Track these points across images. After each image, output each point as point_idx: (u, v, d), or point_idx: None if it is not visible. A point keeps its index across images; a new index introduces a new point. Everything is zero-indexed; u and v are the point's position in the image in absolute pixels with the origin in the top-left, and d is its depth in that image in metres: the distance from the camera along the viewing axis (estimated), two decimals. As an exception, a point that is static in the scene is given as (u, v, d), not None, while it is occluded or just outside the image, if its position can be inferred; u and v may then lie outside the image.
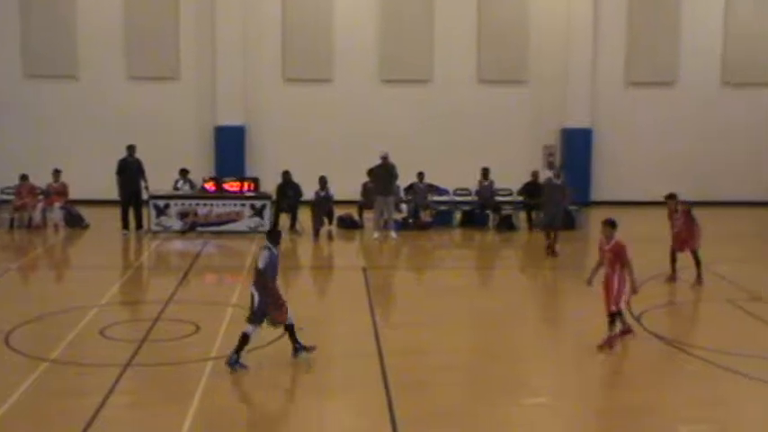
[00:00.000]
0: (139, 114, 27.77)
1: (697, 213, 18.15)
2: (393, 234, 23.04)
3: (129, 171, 23.33)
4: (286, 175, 23.66)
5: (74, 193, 24.55)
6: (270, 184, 24.14)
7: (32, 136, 27.60)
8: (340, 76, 28.43)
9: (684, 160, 28.75)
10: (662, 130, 28.91)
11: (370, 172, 23.69)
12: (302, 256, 21.55)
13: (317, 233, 22.98)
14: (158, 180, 24.04)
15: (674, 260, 18.04)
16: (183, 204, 23.37)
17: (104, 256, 21.10)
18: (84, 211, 24.26)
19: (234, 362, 12.17)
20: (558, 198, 21.38)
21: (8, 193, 25.30)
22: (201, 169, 26.56)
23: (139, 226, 23.38)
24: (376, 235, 22.97)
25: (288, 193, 23.43)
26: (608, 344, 13.25)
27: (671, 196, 18.32)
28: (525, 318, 15.63)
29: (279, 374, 12.17)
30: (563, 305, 17.32)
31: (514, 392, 11.71)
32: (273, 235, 12.77)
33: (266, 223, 23.18)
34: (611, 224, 13.52)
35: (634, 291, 13.33)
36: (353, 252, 21.98)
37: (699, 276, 17.66)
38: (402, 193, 24.74)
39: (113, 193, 23.52)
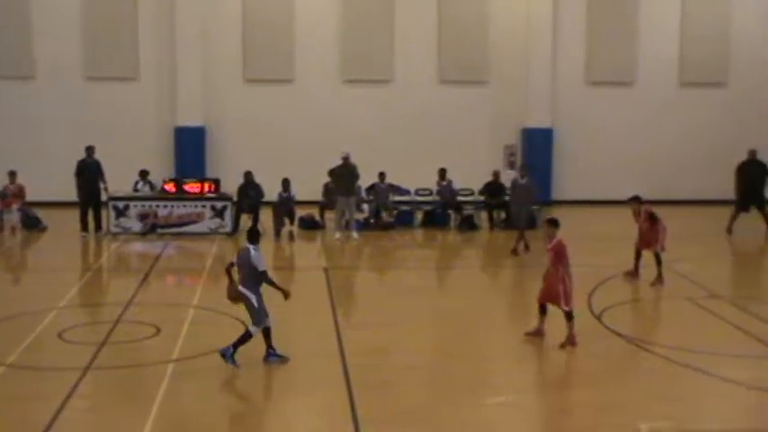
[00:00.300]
0: (98, 115, 27.48)
1: (658, 212, 18.28)
2: (354, 234, 23.01)
3: (88, 172, 23.08)
4: (248, 175, 23.55)
5: (31, 195, 24.23)
6: (231, 186, 24.01)
7: (-12, 137, 27.26)
8: (301, 77, 28.34)
9: (644, 159, 29.01)
10: (622, 130, 29.16)
11: (332, 172, 23.63)
12: (264, 256, 21.39)
13: (278, 234, 22.90)
14: (118, 181, 23.81)
15: (637, 257, 18.17)
16: (142, 206, 23.18)
17: (63, 259, 20.87)
18: (42, 214, 23.96)
19: (229, 355, 12.10)
20: (523, 198, 21.46)
21: (-36, 196, 24.95)
22: (161, 170, 26.36)
23: (98, 228, 23.16)
24: (337, 235, 22.93)
25: (249, 194, 23.32)
26: (569, 342, 13.30)
27: (633, 199, 18.45)
28: (488, 317, 15.66)
29: (241, 376, 12.09)
30: (525, 304, 17.34)
31: (477, 392, 11.73)
32: (255, 235, 12.72)
33: (227, 224, 23.08)
34: (552, 223, 13.67)
35: (565, 288, 13.36)
36: (315, 252, 21.93)
37: (659, 275, 17.79)
38: (363, 194, 24.72)
39: (72, 194, 23.25)
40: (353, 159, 23.17)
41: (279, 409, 11.29)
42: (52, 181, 25.61)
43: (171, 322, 14.59)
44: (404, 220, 24.93)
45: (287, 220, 23.27)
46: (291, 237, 23.03)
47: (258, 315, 12.30)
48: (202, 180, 24.16)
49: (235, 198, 23.43)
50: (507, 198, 24.84)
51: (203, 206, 23.25)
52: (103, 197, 23.26)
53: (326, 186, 24.33)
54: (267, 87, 28.26)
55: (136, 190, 24.24)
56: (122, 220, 23.06)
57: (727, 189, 24.81)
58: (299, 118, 28.20)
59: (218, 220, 23.20)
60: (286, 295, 12.67)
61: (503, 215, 24.94)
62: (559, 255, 13.27)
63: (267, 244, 22.26)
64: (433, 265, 21.51)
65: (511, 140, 28.95)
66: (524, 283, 19.53)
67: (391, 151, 27.40)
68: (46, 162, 26.60)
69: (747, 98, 29.31)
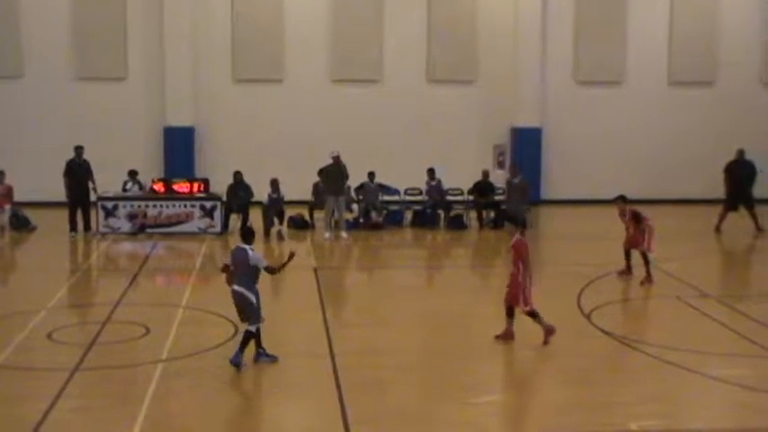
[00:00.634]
0: (87, 115, 27.41)
1: (647, 212, 18.34)
2: (344, 234, 23.01)
3: (77, 172, 23.01)
4: (237, 175, 23.54)
5: (19, 196, 24.14)
6: (220, 185, 23.98)
7: (-24, 137, 27.16)
8: (290, 77, 28.31)
9: (633, 158, 29.09)
10: (610, 129, 29.21)
11: (321, 172, 23.63)
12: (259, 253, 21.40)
13: (267, 233, 22.88)
14: (107, 181, 23.75)
15: (627, 256, 18.23)
16: (132, 206, 23.13)
17: (52, 259, 20.82)
18: (31, 214, 23.89)
19: (237, 360, 12.14)
20: (518, 196, 21.53)
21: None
22: (151, 170, 26.29)
23: (87, 228, 23.10)
24: (327, 235, 22.93)
25: (239, 194, 23.29)
26: (547, 336, 13.33)
27: (618, 198, 18.51)
28: (477, 316, 15.66)
29: (230, 376, 12.07)
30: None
31: (467, 391, 11.74)
32: (249, 234, 12.71)
33: (217, 224, 23.05)
34: (513, 222, 13.78)
35: (524, 288, 13.36)
36: (304, 252, 21.91)
37: (648, 275, 17.83)
38: (353, 194, 24.72)
39: (60, 194, 23.19)
40: (343, 159, 23.16)
41: (269, 408, 11.28)
42: (41, 181, 25.55)
43: (160, 322, 14.57)
44: (393, 220, 24.93)
45: (276, 220, 23.25)
46: (281, 236, 23.01)
47: (256, 314, 12.29)
48: (192, 180, 24.11)
49: (224, 198, 23.40)
50: (498, 198, 24.97)
51: (193, 206, 23.21)
52: (92, 197, 23.20)
53: (316, 186, 24.32)
54: (256, 87, 28.23)
55: (125, 190, 24.18)
56: (111, 220, 23.00)
57: (716, 188, 24.90)
58: (288, 118, 28.18)
59: (207, 220, 23.17)
60: (292, 255, 12.68)
61: (492, 214, 24.98)
62: (519, 253, 13.27)
63: (256, 244, 22.14)
64: (423, 265, 21.53)
65: (500, 140, 28.97)
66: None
67: (380, 151, 27.41)
68: (35, 162, 26.52)
69: (735, 97, 29.41)
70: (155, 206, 23.16)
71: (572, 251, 21.73)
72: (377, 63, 28.54)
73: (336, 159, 23.11)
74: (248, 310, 12.31)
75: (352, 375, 12.07)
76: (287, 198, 23.62)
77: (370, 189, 24.84)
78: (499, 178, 26.32)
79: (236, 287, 12.34)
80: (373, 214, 24.77)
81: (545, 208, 27.41)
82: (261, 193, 23.38)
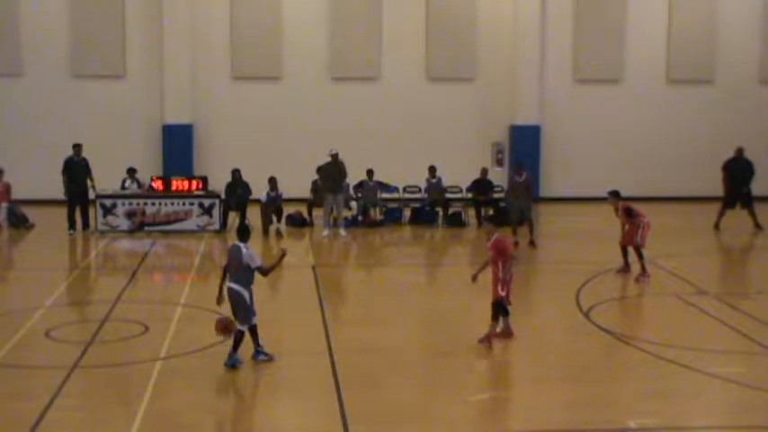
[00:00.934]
0: (86, 113, 27.42)
1: (645, 209, 18.35)
2: (342, 232, 23.01)
3: (76, 170, 22.99)
4: (236, 173, 23.53)
5: (18, 193, 24.15)
6: (219, 183, 23.97)
7: (-26, 135, 27.14)
8: (289, 74, 28.30)
9: (632, 156, 29.08)
10: (609, 127, 29.20)
11: (320, 170, 23.62)
12: (254, 251, 21.38)
13: (266, 231, 22.86)
14: (105, 179, 23.72)
15: (624, 253, 18.24)
16: (130, 204, 23.11)
17: (50, 257, 20.81)
18: (29, 212, 23.87)
19: (233, 362, 12.14)
20: (523, 194, 21.56)
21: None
22: (149, 168, 26.30)
23: (86, 226, 23.08)
24: (325, 233, 22.92)
25: (237, 192, 23.29)
26: (486, 339, 13.22)
27: (611, 194, 18.54)
28: (475, 313, 15.61)
29: (229, 374, 12.07)
30: (512, 300, 17.35)
31: (466, 388, 11.74)
32: (245, 232, 12.68)
33: (215, 222, 23.04)
34: (492, 222, 13.82)
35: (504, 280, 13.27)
36: (303, 250, 21.90)
37: (643, 270, 17.85)
38: (351, 191, 24.71)
39: (59, 192, 23.17)
40: (341, 157, 23.15)
41: (267, 406, 11.28)
42: (39, 179, 25.58)
43: (159, 320, 14.57)
44: (392, 218, 24.93)
45: (275, 218, 23.23)
46: (279, 234, 22.99)
47: (248, 313, 12.27)
48: (190, 178, 24.11)
49: (222, 195, 23.38)
50: (497, 195, 24.99)
51: (191, 204, 23.19)
52: (91, 195, 23.19)
53: (314, 184, 24.31)
54: (255, 85, 28.21)
55: (123, 188, 24.15)
56: (110, 218, 22.98)
57: (715, 186, 24.89)
58: (286, 115, 28.17)
59: (206, 218, 23.15)
60: (283, 254, 12.73)
61: (490, 212, 24.95)
62: (499, 252, 13.22)
63: (255, 242, 22.15)
64: (421, 263, 21.52)
65: (498, 137, 28.98)
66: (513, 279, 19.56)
67: (379, 149, 27.41)
68: (33, 160, 26.53)
69: (734, 95, 29.41)
70: (153, 204, 23.15)
71: (570, 249, 21.74)
72: (375, 61, 28.53)
73: (335, 157, 23.10)
74: (241, 308, 12.27)
75: (351, 373, 12.07)
76: (285, 196, 23.60)
77: (369, 187, 24.84)
78: (500, 177, 26.36)
79: (231, 284, 12.31)
80: (372, 212, 24.77)
81: (543, 205, 27.40)
82: (259, 190, 23.36)
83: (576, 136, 29.07)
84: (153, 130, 27.79)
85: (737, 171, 24.25)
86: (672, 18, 29.30)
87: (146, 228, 22.98)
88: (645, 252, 18.01)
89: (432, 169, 25.09)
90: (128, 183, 24.36)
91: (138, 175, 24.57)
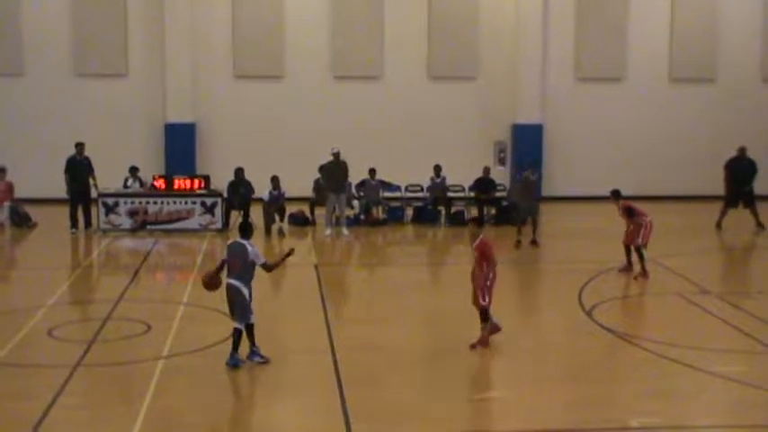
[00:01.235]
0: (88, 112, 27.44)
1: (647, 208, 18.34)
2: (345, 231, 23.02)
3: (78, 169, 23.00)
4: (239, 172, 23.52)
5: (20, 192, 24.18)
6: (221, 182, 23.96)
7: (-24, 134, 27.15)
8: (291, 73, 28.31)
9: (634, 155, 29.08)
10: (611, 126, 29.20)
11: (322, 169, 23.62)
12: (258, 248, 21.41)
13: (268, 230, 22.87)
14: (107, 178, 23.72)
15: (627, 252, 18.24)
16: (132, 202, 23.11)
17: (52, 256, 20.80)
18: (31, 210, 23.88)
19: (235, 362, 12.13)
20: (532, 192, 21.64)
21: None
22: (151, 167, 26.31)
23: (88, 224, 23.09)
24: (328, 232, 22.92)
25: (239, 191, 23.29)
26: (481, 343, 13.19)
27: (612, 193, 18.56)
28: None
29: (231, 373, 12.07)
30: (514, 299, 17.40)
31: (468, 387, 11.76)
32: (248, 229, 12.66)
33: (218, 221, 23.04)
34: (476, 223, 13.85)
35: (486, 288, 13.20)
36: (305, 249, 21.90)
37: (642, 270, 17.86)
38: (354, 190, 24.71)
39: (61, 191, 23.18)
40: (343, 156, 23.15)
41: (269, 405, 11.28)
42: (42, 178, 25.59)
43: (161, 319, 14.57)
44: (394, 217, 24.93)
45: (277, 217, 23.24)
46: (282, 233, 23.00)
47: (245, 310, 12.24)
48: (192, 176, 24.10)
49: (225, 194, 23.38)
50: (499, 194, 25.03)
51: (193, 203, 23.19)
52: (93, 194, 23.20)
53: (317, 183, 24.31)
54: (257, 83, 28.21)
55: (126, 186, 24.16)
56: (112, 216, 22.98)
57: (716, 185, 24.87)
58: (289, 114, 28.17)
59: (208, 217, 23.15)
60: (290, 252, 12.82)
61: (493, 211, 24.99)
62: (484, 254, 13.20)
63: (257, 241, 22.18)
64: (424, 262, 21.52)
65: (500, 136, 28.97)
66: (514, 278, 19.57)
67: (381, 147, 27.40)
68: (35, 159, 26.55)
69: (736, 94, 29.41)
70: (155, 203, 23.15)
71: (573, 248, 21.73)
72: (377, 59, 28.52)
73: (337, 156, 23.10)
74: (239, 305, 12.24)
75: (353, 372, 12.07)
76: (288, 195, 23.60)
77: (371, 186, 24.84)
78: (500, 175, 26.38)
79: (231, 281, 12.26)
80: (374, 211, 24.77)
81: (545, 204, 27.33)
82: (261, 189, 23.36)
83: (577, 135, 29.06)
84: (155, 129, 27.80)
85: (740, 170, 24.23)
86: (674, 17, 29.30)
87: (148, 226, 22.98)
88: (646, 253, 18.00)
89: (437, 168, 25.06)
90: (130, 181, 24.36)
91: (140, 174, 24.57)
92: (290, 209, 23.83)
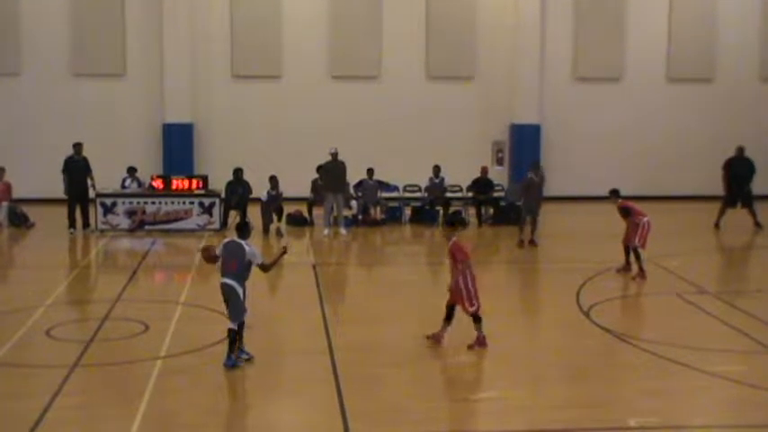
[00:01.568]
0: (86, 112, 27.42)
1: (645, 208, 18.35)
2: (343, 231, 23.02)
3: (76, 169, 22.98)
4: (237, 172, 23.51)
5: (18, 192, 24.17)
6: (219, 182, 23.96)
7: (-26, 134, 27.12)
8: (289, 73, 28.30)
9: (632, 154, 29.11)
10: (609, 126, 29.21)
11: (320, 169, 23.63)
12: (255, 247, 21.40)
13: (266, 230, 22.86)
14: (105, 178, 23.71)
15: (626, 252, 18.25)
16: (130, 203, 23.10)
17: (50, 256, 20.78)
18: (29, 211, 23.86)
19: (232, 362, 12.11)
20: (535, 194, 21.63)
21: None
22: (149, 167, 26.29)
23: (86, 224, 23.07)
24: (326, 231, 22.92)
25: (237, 191, 23.28)
26: (478, 343, 13.12)
27: (611, 193, 18.58)
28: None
29: (229, 373, 12.06)
30: (513, 299, 17.40)
31: (465, 387, 11.75)
32: (246, 229, 12.64)
33: (216, 221, 23.04)
34: (449, 225, 13.77)
35: (467, 289, 13.10)
36: (303, 249, 21.90)
37: (640, 270, 17.87)
38: (352, 190, 24.70)
39: (59, 191, 23.16)
40: (341, 156, 23.15)
41: (267, 405, 11.27)
42: (40, 178, 25.58)
43: (159, 319, 14.56)
44: (392, 217, 24.93)
45: (275, 217, 23.23)
46: (280, 233, 22.99)
47: (239, 310, 12.22)
48: (190, 176, 24.09)
49: (223, 194, 23.38)
50: (497, 194, 25.05)
51: (191, 203, 23.18)
52: (91, 194, 23.18)
53: (315, 183, 24.31)
54: (255, 83, 28.20)
55: (124, 187, 24.16)
56: (110, 216, 22.97)
57: (715, 185, 24.90)
58: (287, 114, 28.17)
59: (206, 217, 23.15)
60: (284, 251, 12.80)
61: (491, 211, 25.00)
62: (454, 256, 13.16)
63: (255, 241, 22.18)
64: (422, 261, 21.51)
65: (499, 136, 28.98)
66: (513, 278, 19.60)
67: (379, 147, 27.41)
68: (33, 159, 26.52)
69: (734, 94, 29.46)
70: (153, 203, 23.14)
71: (571, 248, 21.73)
72: (375, 59, 28.52)
73: (335, 156, 23.10)
74: (233, 304, 12.21)
75: (351, 371, 12.07)
76: (286, 195, 23.59)
77: (369, 186, 24.83)
78: (498, 175, 26.40)
79: (227, 280, 12.24)
80: (373, 211, 24.77)
81: (543, 205, 27.33)
82: (259, 189, 23.35)
83: (576, 134, 29.08)
84: (153, 129, 27.78)
85: (738, 170, 24.26)
86: (672, 17, 29.33)
87: (146, 227, 22.98)
88: (643, 253, 18.01)
89: (436, 169, 25.04)
90: (128, 182, 24.37)
91: (138, 174, 24.58)
92: (288, 209, 23.82)
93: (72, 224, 22.88)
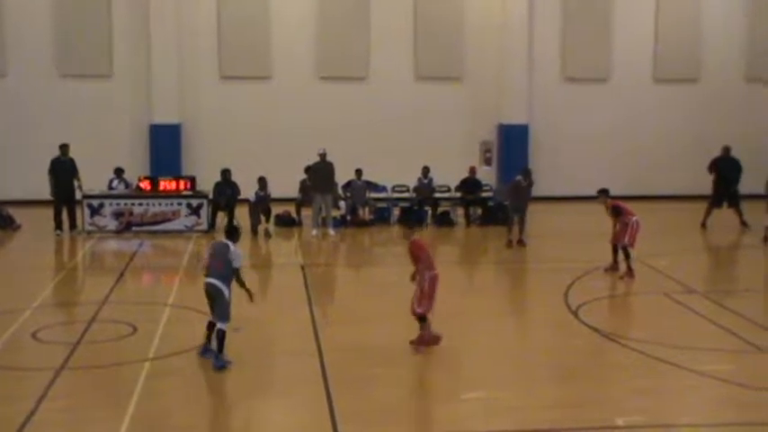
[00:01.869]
0: (72, 113, 27.26)
1: (633, 208, 18.38)
2: (331, 231, 23.00)
3: (62, 170, 22.87)
4: (225, 173, 23.45)
5: (4, 194, 24.07)
6: (207, 183, 23.90)
7: (-41, 136, 26.98)
8: (277, 74, 28.24)
9: (619, 154, 29.15)
10: (597, 126, 29.25)
11: (308, 169, 23.60)
12: (241, 254, 21.32)
13: (254, 231, 22.81)
14: (92, 179, 23.60)
15: (614, 251, 18.28)
16: (117, 204, 23.03)
17: (37, 257, 20.69)
18: (15, 212, 23.74)
19: (221, 364, 12.07)
20: (523, 195, 21.65)
21: (-64, 195, 24.69)
22: (137, 168, 26.18)
23: (73, 226, 22.96)
24: (314, 232, 22.90)
25: (226, 192, 23.22)
26: (419, 341, 13.16)
27: (599, 192, 18.62)
28: (464, 313, 15.65)
29: (217, 374, 12.03)
30: (501, 299, 17.42)
31: (454, 387, 11.73)
32: (234, 232, 12.67)
33: (203, 222, 22.98)
34: (405, 226, 13.92)
35: (422, 290, 13.20)
36: (292, 250, 21.87)
37: (628, 269, 17.91)
38: (340, 191, 24.67)
39: (46, 192, 23.05)
40: (330, 156, 23.13)
41: (256, 406, 11.24)
42: (26, 179, 25.46)
43: (147, 321, 14.51)
44: (380, 217, 24.92)
45: (263, 218, 23.19)
46: (268, 234, 22.94)
47: (227, 310, 12.22)
48: (178, 178, 24.03)
49: (211, 195, 23.32)
50: (485, 194, 25.05)
51: (179, 204, 23.12)
52: (78, 195, 23.08)
53: (303, 183, 24.28)
54: (243, 84, 28.12)
55: (111, 188, 24.07)
56: (97, 218, 22.90)
57: (702, 184, 24.98)
58: (275, 115, 28.10)
59: (194, 218, 23.09)
60: (251, 297, 12.61)
61: (479, 211, 25.01)
62: (413, 256, 13.24)
63: (243, 241, 22.11)
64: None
65: (487, 136, 28.98)
66: (501, 278, 19.61)
67: (368, 148, 27.37)
68: (19, 160, 26.39)
69: (720, 94, 29.55)
70: (141, 204, 23.07)
71: (559, 247, 21.76)
72: (364, 60, 28.49)
73: (323, 157, 23.08)
74: (219, 304, 12.22)
75: (340, 372, 12.06)
76: (274, 195, 23.54)
77: (358, 186, 24.82)
78: (486, 175, 26.42)
79: (213, 280, 12.24)
80: (361, 212, 24.75)
81: (532, 204, 27.34)
82: (247, 190, 23.30)
83: (563, 135, 29.11)
84: (140, 130, 27.68)
85: (725, 170, 24.34)
86: (658, 18, 29.41)
87: (133, 228, 22.90)
88: (632, 252, 18.06)
89: (425, 169, 25.03)
90: (115, 183, 24.27)
91: (125, 176, 24.48)
92: (277, 209, 23.78)
93: (58, 226, 22.78)
